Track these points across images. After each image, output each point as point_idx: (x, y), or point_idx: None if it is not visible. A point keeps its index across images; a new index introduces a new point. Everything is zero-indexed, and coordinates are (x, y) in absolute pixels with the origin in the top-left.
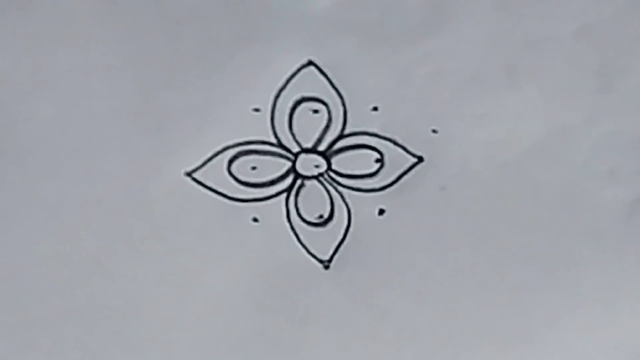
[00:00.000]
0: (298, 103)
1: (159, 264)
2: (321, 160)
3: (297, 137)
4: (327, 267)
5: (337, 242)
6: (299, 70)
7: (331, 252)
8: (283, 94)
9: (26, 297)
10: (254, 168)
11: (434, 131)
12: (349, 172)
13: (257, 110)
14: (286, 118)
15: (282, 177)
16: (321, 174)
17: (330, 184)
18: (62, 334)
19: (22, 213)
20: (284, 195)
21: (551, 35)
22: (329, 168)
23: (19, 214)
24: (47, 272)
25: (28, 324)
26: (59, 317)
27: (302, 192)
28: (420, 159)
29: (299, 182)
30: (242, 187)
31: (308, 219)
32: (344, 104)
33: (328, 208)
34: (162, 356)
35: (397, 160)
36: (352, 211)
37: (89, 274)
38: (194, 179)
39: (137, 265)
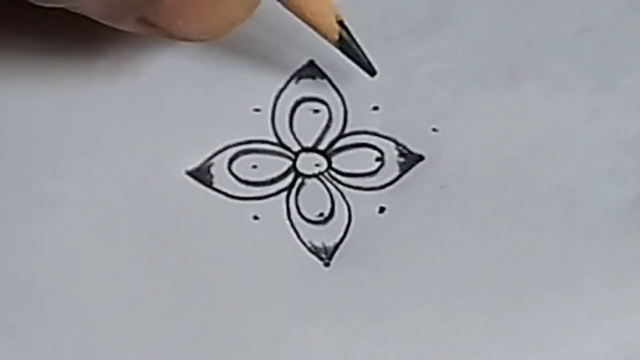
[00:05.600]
0: (298, 103)
1: (160, 262)
2: (321, 159)
3: (297, 137)
4: (327, 265)
5: (337, 240)
6: (299, 71)
7: (332, 249)
8: (283, 94)
9: (26, 297)
10: (254, 167)
11: (435, 130)
12: (350, 170)
13: (257, 110)
14: (287, 118)
15: (283, 176)
16: (322, 173)
17: (331, 183)
18: (62, 334)
19: (22, 213)
20: (285, 193)
21: (551, 34)
22: (330, 167)
23: (19, 214)
24: (47, 272)
25: (28, 324)
26: (59, 317)
27: (303, 190)
28: (421, 158)
29: (299, 180)
30: (243, 186)
31: (308, 217)
32: (344, 104)
33: (328, 206)
34: (163, 355)
35: (397, 159)
36: (352, 209)
37: (89, 274)
38: (195, 177)
39: (137, 264)
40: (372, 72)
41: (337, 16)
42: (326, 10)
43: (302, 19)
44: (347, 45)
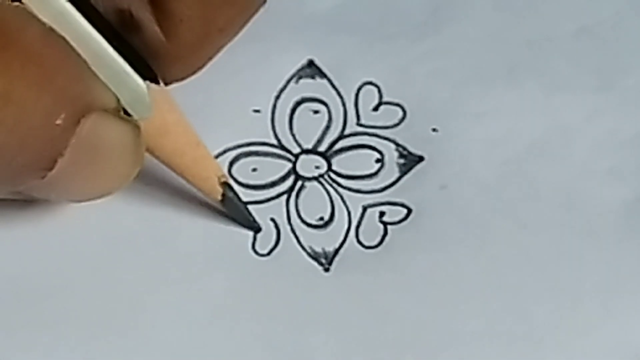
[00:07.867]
0: (298, 104)
1: (159, 266)
2: (322, 161)
3: (297, 138)
4: (327, 270)
5: (337, 245)
6: (299, 70)
7: (331, 254)
8: (283, 95)
9: (26, 297)
10: (254, 170)
11: (434, 130)
12: (350, 172)
13: (257, 111)
14: (286, 119)
15: (283, 179)
16: (321, 175)
17: (331, 185)
18: (62, 334)
19: (22, 213)
20: (285, 197)
21: (551, 34)
22: (330, 169)
23: (19, 214)
24: (47, 272)
25: (28, 324)
26: (59, 317)
27: (303, 193)
28: (421, 159)
29: (299, 183)
30: (243, 190)
31: (308, 221)
32: (344, 104)
33: (328, 210)
34: (162, 358)
35: (397, 160)
36: (352, 213)
37: (88, 274)
38: None
39: (137, 267)
40: (256, 229)
41: (220, 177)
42: (207, 172)
43: (186, 181)
44: (231, 204)
